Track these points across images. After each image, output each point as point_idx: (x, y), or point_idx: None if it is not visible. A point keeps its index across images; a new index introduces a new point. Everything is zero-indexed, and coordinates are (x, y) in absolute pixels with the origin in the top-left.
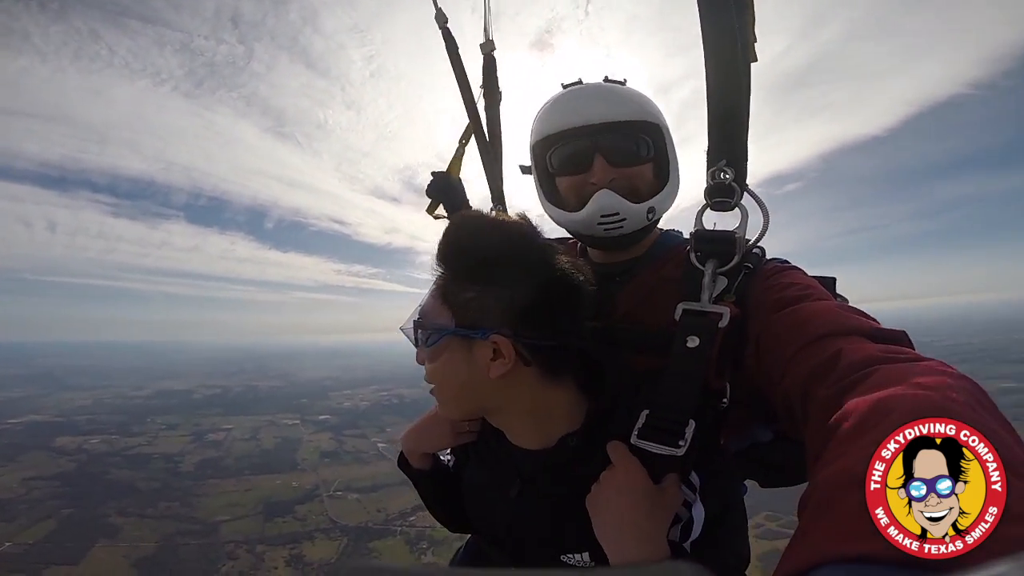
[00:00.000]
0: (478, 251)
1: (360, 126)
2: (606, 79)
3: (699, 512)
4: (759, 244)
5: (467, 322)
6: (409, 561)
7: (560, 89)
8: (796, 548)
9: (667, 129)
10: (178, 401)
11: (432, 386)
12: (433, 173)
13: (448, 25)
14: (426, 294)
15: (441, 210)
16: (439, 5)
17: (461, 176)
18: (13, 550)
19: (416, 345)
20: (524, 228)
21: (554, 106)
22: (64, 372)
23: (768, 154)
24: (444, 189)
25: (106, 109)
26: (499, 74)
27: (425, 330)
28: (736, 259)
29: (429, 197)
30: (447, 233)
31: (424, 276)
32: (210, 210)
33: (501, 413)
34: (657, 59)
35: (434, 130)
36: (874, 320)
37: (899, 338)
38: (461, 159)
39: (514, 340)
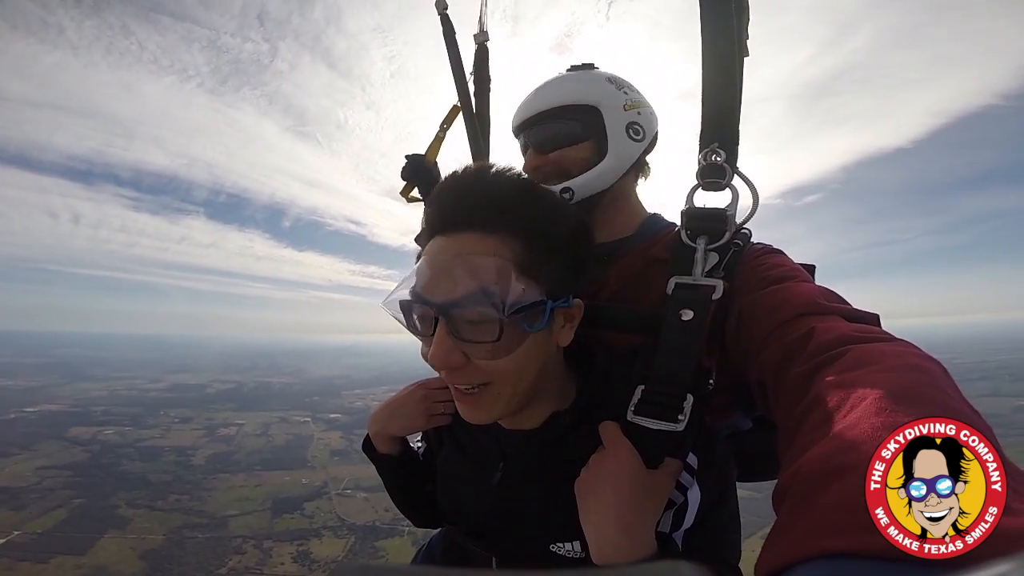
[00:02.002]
0: (560, 214)
1: (379, 126)
2: (571, 68)
3: (695, 496)
4: (746, 226)
5: (558, 291)
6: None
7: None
8: (780, 541)
9: (612, 108)
10: (192, 395)
11: (482, 384)
12: (407, 156)
13: (447, 11)
14: (456, 271)
15: (415, 193)
16: None
17: (437, 161)
18: (21, 539)
19: (497, 339)
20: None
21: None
22: (81, 363)
23: (788, 165)
24: (418, 172)
25: (134, 104)
26: (493, 65)
27: (525, 313)
28: (727, 236)
29: (404, 180)
30: (521, 198)
31: None
32: (229, 207)
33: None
34: (679, 66)
35: (453, 131)
36: (849, 304)
37: (871, 319)
38: (440, 144)
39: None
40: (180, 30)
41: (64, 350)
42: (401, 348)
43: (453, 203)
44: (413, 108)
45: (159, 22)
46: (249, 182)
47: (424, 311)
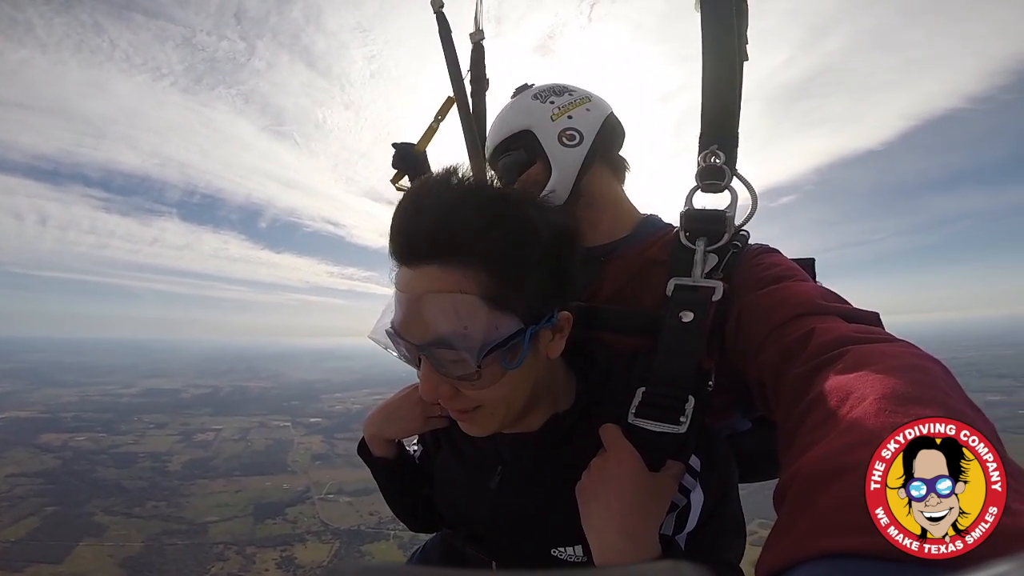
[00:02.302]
0: (531, 229)
1: (358, 127)
2: (513, 92)
3: (698, 498)
4: (745, 228)
5: (536, 314)
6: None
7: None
8: (780, 542)
9: (540, 124)
10: (167, 400)
11: (476, 407)
12: (395, 144)
13: (443, 9)
14: (428, 313)
15: (406, 182)
16: None
17: (427, 152)
18: None
19: (474, 380)
20: (526, 190)
21: None
22: (50, 368)
23: (764, 166)
24: (406, 160)
25: (104, 103)
26: (488, 63)
27: (502, 350)
28: (726, 237)
29: (395, 168)
30: (484, 222)
31: None
32: (204, 208)
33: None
34: (659, 68)
35: (436, 134)
36: (848, 303)
37: (871, 319)
38: (432, 135)
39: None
40: (154, 28)
41: (32, 355)
42: (381, 351)
43: (410, 231)
44: (393, 108)
45: (132, 20)
46: (224, 182)
47: (408, 345)
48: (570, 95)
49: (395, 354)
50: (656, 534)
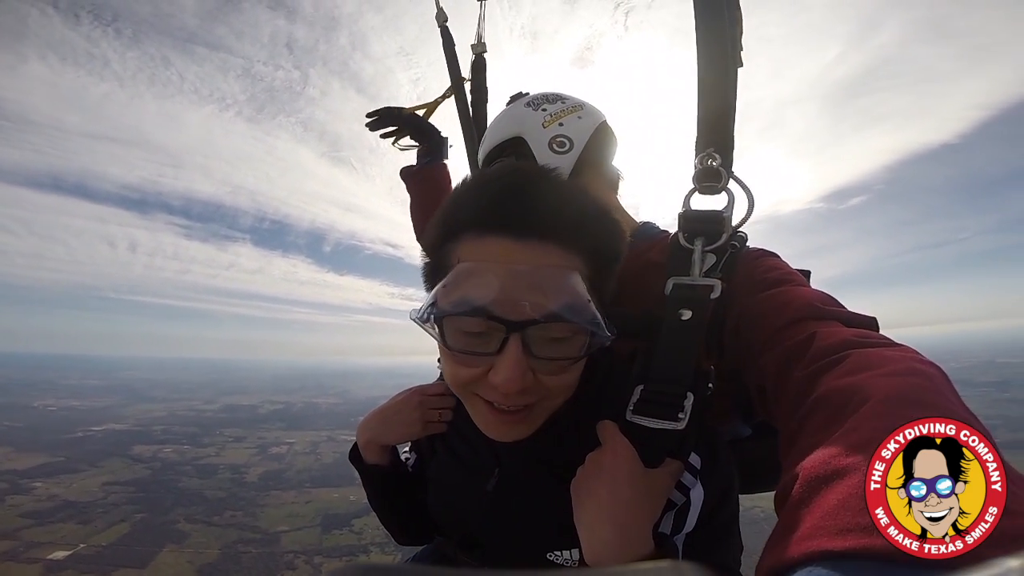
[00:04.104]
0: (620, 234)
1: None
2: (510, 99)
3: (698, 496)
4: (742, 229)
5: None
6: None
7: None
8: (781, 543)
9: (532, 131)
10: (245, 415)
11: (532, 400)
12: (377, 113)
13: (447, 24)
14: (556, 281)
15: (408, 140)
16: (440, 5)
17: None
18: (87, 551)
19: (580, 355)
20: None
21: None
22: (143, 385)
23: (829, 167)
24: (399, 117)
25: (179, 134)
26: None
27: (600, 330)
28: (724, 237)
29: (389, 123)
30: (595, 215)
31: None
32: (273, 233)
33: None
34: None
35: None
36: (846, 308)
37: (870, 323)
38: (433, 111)
39: None
40: (216, 60)
41: (127, 373)
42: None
43: (531, 206)
44: (442, 128)
45: (195, 52)
46: (290, 208)
47: (488, 327)
48: (563, 103)
49: (441, 340)
50: (649, 531)
